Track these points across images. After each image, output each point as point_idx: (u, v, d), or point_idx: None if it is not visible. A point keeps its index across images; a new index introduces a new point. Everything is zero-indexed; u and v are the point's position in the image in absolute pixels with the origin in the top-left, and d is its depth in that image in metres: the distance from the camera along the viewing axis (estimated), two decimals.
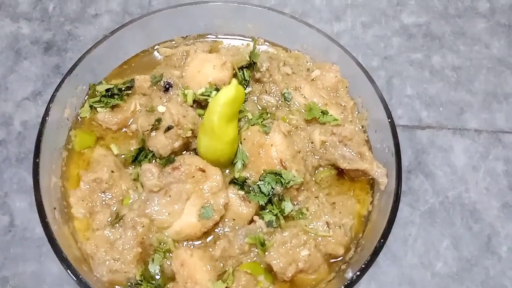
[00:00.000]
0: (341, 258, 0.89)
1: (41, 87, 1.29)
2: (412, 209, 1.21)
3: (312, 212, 0.90)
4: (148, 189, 0.86)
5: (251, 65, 1.02)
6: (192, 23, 1.10)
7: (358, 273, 0.79)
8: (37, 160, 0.83)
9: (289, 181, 0.88)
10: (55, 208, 0.85)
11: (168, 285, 0.84)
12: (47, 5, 1.44)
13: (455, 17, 1.56)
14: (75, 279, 0.76)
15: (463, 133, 1.34)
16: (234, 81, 0.82)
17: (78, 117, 0.99)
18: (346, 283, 0.78)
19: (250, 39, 1.11)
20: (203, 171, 0.87)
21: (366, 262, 0.80)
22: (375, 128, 1.00)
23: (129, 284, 0.83)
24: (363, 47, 1.47)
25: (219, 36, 1.12)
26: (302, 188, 0.94)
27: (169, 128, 0.91)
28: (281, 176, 0.89)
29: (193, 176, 0.86)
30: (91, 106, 0.98)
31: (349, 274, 0.81)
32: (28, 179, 1.15)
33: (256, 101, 1.04)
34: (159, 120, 0.92)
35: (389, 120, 0.93)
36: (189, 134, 0.90)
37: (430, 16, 1.56)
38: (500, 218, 1.22)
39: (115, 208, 0.89)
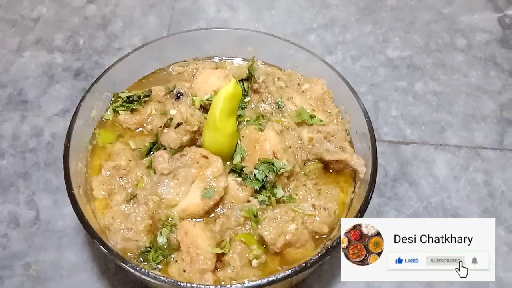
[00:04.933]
0: (325, 236, 1.01)
1: (69, 105, 1.48)
2: (398, 212, 1.32)
3: (300, 197, 1.03)
4: (160, 172, 1.01)
5: (249, 78, 1.20)
6: (201, 47, 1.30)
7: (337, 240, 0.90)
8: (68, 145, 0.99)
9: (280, 169, 1.02)
10: (79, 186, 0.99)
11: (173, 254, 0.96)
12: (78, 40, 1.68)
13: (435, 52, 1.76)
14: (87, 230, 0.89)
15: (444, 148, 1.48)
16: (233, 79, 1.00)
17: (103, 119, 1.17)
18: (327, 248, 0.90)
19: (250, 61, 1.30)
20: (206, 157, 1.02)
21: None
22: (356, 129, 1.15)
23: (139, 251, 0.95)
24: (352, 76, 1.65)
25: (223, 58, 1.32)
26: (292, 179, 1.07)
27: (178, 125, 1.07)
28: (273, 165, 1.03)
29: (198, 162, 1.01)
30: (114, 110, 1.16)
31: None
32: (54, 180, 1.31)
33: (254, 109, 1.20)
34: (171, 119, 1.09)
35: (366, 119, 1.08)
36: (195, 128, 1.06)
37: (413, 51, 1.76)
38: None
39: (131, 190, 1.03)
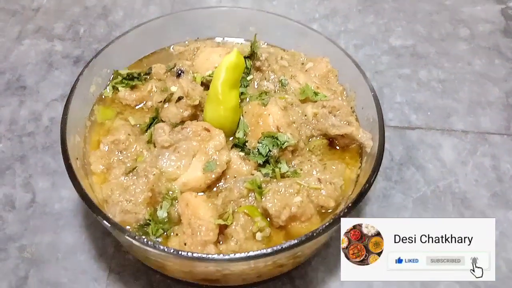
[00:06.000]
0: (331, 211, 0.97)
1: (68, 91, 1.45)
2: (405, 196, 1.29)
3: (305, 171, 1.00)
4: (160, 145, 0.98)
5: (252, 55, 1.18)
6: (202, 27, 1.29)
7: (345, 210, 0.87)
8: (65, 116, 0.96)
9: (285, 142, 0.99)
10: (77, 159, 0.96)
11: (173, 228, 0.92)
12: (78, 28, 1.66)
13: (439, 41, 1.75)
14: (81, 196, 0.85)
15: (450, 133, 1.45)
16: (235, 49, 0.97)
17: (102, 96, 1.14)
18: (334, 218, 0.86)
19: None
20: (208, 130, 0.98)
21: (353, 201, 0.88)
22: (362, 105, 1.12)
23: (138, 225, 0.91)
24: None
25: (225, 38, 1.31)
26: (297, 154, 1.04)
27: (179, 99, 1.04)
28: (277, 139, 1.00)
29: (199, 135, 0.98)
30: (113, 87, 1.13)
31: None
32: (52, 163, 1.28)
33: (256, 87, 1.18)
34: (171, 94, 1.06)
35: (372, 93, 1.06)
36: (197, 102, 1.04)
37: (415, 40, 1.74)
38: (490, 206, 1.28)
39: (130, 164, 1.00)
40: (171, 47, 1.28)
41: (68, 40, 1.61)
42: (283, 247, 0.81)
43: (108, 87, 1.15)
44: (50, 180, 1.25)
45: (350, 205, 0.88)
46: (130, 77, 1.13)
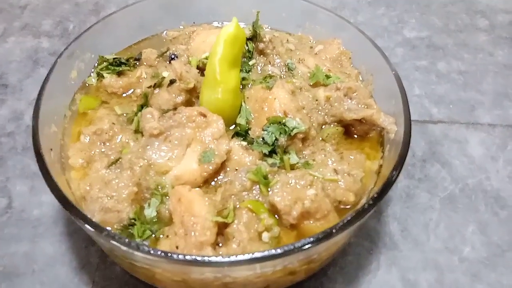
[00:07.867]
0: (350, 207, 0.82)
1: None
2: (431, 195, 1.14)
3: (319, 161, 0.85)
4: (148, 133, 0.84)
5: (254, 37, 1.05)
6: (198, 10, 1.16)
7: (370, 202, 0.72)
8: (39, 101, 0.83)
9: (293, 128, 0.85)
10: (51, 150, 0.82)
11: (163, 229, 0.77)
12: (67, 25, 1.55)
13: (456, 32, 1.62)
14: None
15: (476, 127, 1.30)
16: (235, 19, 0.84)
17: (86, 84, 1.01)
18: (358, 210, 0.71)
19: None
20: (204, 116, 0.85)
21: (378, 192, 0.73)
22: (381, 88, 0.99)
23: (121, 226, 0.76)
24: None
25: (224, 23, 1.18)
26: (308, 144, 0.90)
27: (172, 82, 0.91)
28: (285, 125, 0.86)
29: (194, 121, 0.84)
30: (98, 74, 1.00)
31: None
32: (32, 166, 1.15)
33: (260, 72, 1.04)
34: (163, 78, 0.93)
35: (393, 72, 0.92)
36: (192, 86, 0.90)
37: (431, 31, 1.62)
38: None
39: (113, 157, 0.85)
40: (164, 33, 1.15)
41: (56, 37, 1.50)
42: (296, 246, 0.66)
43: (92, 74, 1.01)
44: (29, 183, 1.11)
45: (375, 196, 0.72)
46: (117, 63, 1.00)
